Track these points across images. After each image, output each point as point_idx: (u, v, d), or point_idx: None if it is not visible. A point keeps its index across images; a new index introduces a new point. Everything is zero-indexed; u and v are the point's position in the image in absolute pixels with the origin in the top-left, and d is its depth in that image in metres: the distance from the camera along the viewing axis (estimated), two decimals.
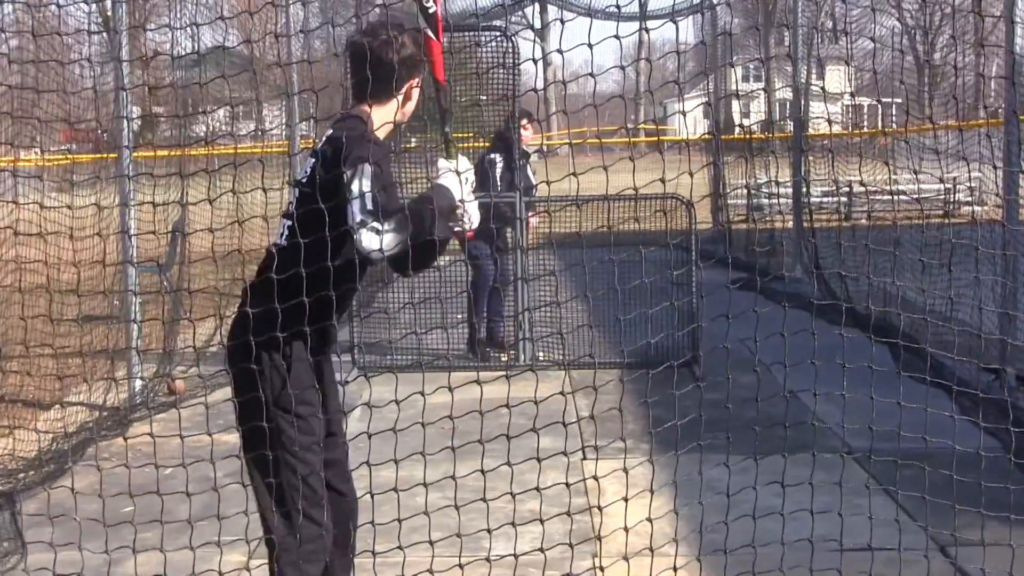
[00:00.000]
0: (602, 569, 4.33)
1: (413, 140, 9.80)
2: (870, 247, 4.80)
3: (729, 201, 14.62)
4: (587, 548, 4.36)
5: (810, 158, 12.02)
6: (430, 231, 3.10)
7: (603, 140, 5.32)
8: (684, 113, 4.05)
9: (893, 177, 7.81)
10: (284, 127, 12.61)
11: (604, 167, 3.69)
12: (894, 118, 16.14)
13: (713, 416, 3.95)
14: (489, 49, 8.48)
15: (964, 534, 4.22)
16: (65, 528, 4.23)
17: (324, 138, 3.29)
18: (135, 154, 7.59)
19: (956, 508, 3.98)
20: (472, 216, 3.30)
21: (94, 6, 7.70)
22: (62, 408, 6.95)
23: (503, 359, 8.62)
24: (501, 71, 8.43)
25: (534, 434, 3.57)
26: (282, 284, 3.14)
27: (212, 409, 4.04)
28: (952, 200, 15.19)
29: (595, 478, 3.73)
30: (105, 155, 8.70)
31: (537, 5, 20.01)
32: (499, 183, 8.44)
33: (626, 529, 3.80)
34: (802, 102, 11.76)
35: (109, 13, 7.59)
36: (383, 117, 3.35)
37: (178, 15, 9.67)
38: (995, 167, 6.30)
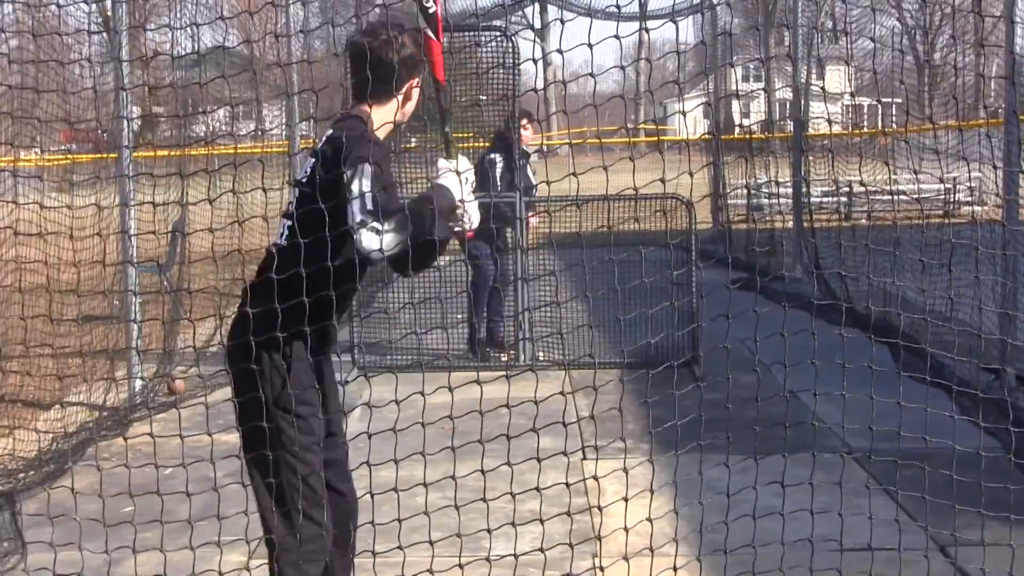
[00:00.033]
0: (602, 569, 4.33)
1: (413, 140, 9.80)
2: (870, 247, 4.80)
3: (729, 201, 14.62)
4: (587, 548, 4.36)
5: (810, 158, 12.02)
6: (430, 231, 3.10)
7: (603, 140, 5.33)
8: (684, 113, 4.05)
9: (893, 177, 7.81)
10: (284, 127, 12.62)
11: (604, 167, 3.69)
12: (894, 118, 16.14)
13: (713, 416, 3.95)
14: (489, 49, 8.49)
15: (964, 534, 4.22)
16: (65, 528, 4.23)
17: (324, 138, 3.30)
18: (135, 154, 7.58)
19: (956, 508, 3.98)
20: (472, 216, 3.30)
21: (94, 6, 7.70)
22: (62, 408, 6.95)
23: (503, 359, 8.62)
24: (501, 71, 8.43)
25: (534, 434, 3.57)
26: (282, 284, 3.14)
27: (212, 409, 4.04)
28: (952, 200, 15.18)
29: (595, 478, 3.73)
30: (105, 155, 8.70)
31: (537, 5, 20.02)
32: (499, 183, 8.44)
33: (626, 529, 3.80)
34: (802, 102, 11.76)
35: (109, 13, 7.59)
36: (383, 117, 3.35)
37: (178, 15, 9.67)
38: (995, 167, 6.30)
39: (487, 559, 3.76)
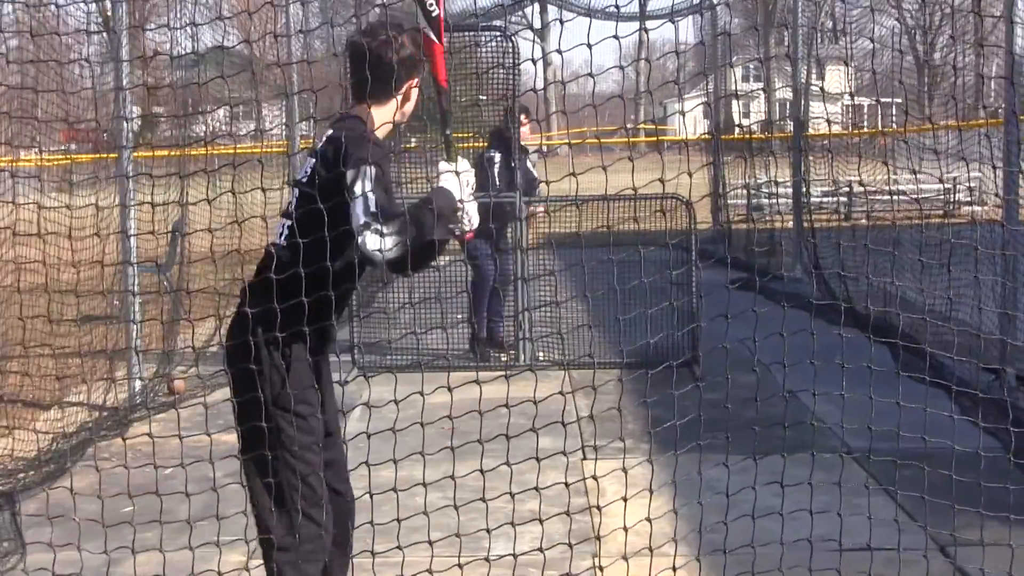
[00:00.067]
0: (601, 569, 4.33)
1: (413, 140, 9.80)
2: (870, 247, 4.81)
3: (729, 201, 14.62)
4: (587, 548, 4.35)
5: (810, 158, 12.01)
6: (430, 233, 3.11)
7: (603, 140, 5.33)
8: (684, 113, 4.06)
9: (893, 177, 7.82)
10: (284, 127, 12.60)
11: (604, 167, 3.69)
12: (894, 118, 16.12)
13: (712, 416, 3.95)
14: (489, 49, 8.49)
15: (964, 534, 4.22)
16: (65, 528, 4.23)
17: (324, 138, 3.30)
18: (135, 154, 7.58)
19: (955, 508, 3.98)
20: (472, 217, 3.31)
21: (94, 6, 7.70)
22: (61, 408, 6.95)
23: (503, 359, 8.62)
24: (501, 71, 8.43)
25: (534, 434, 3.58)
26: (281, 284, 3.14)
27: (212, 409, 4.03)
28: (952, 200, 15.19)
29: (595, 478, 3.73)
30: (105, 155, 8.70)
31: (537, 5, 19.98)
32: (497, 181, 8.44)
33: (625, 529, 3.80)
34: (802, 102, 11.76)
35: (109, 13, 7.60)
36: (383, 117, 3.35)
37: (178, 15, 9.66)
38: (995, 167, 6.30)
39: (487, 559, 3.76)
